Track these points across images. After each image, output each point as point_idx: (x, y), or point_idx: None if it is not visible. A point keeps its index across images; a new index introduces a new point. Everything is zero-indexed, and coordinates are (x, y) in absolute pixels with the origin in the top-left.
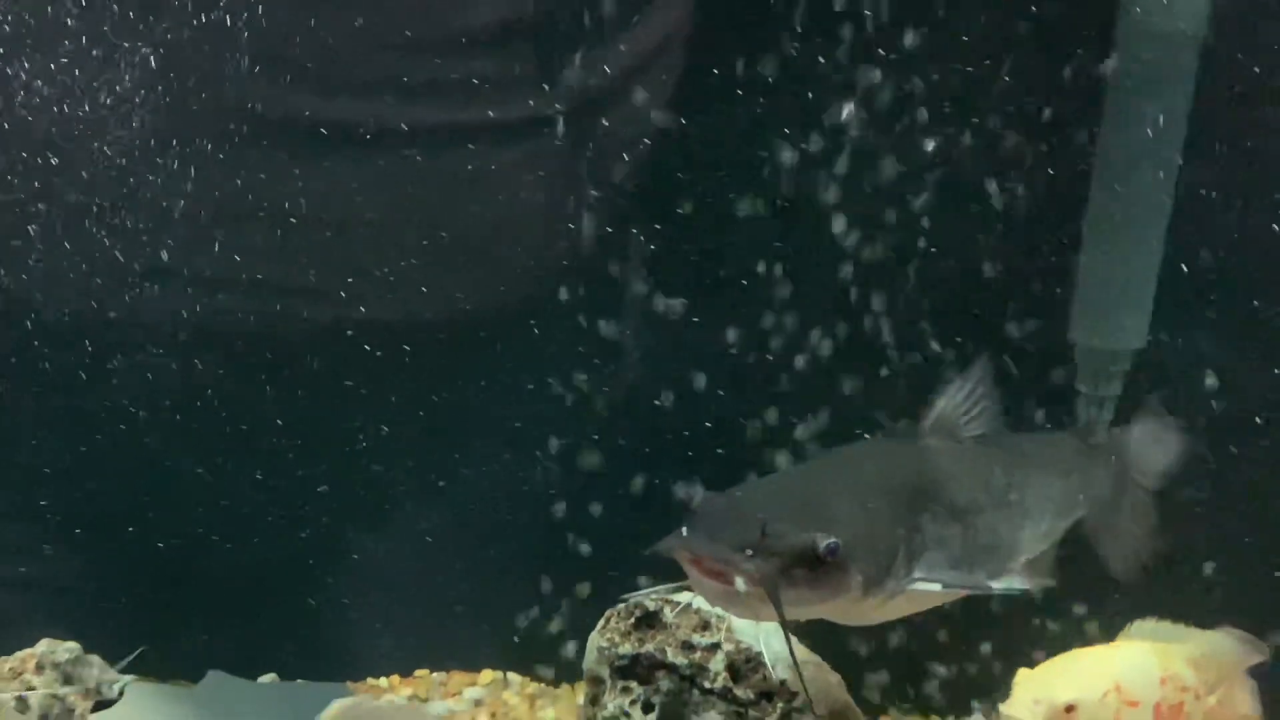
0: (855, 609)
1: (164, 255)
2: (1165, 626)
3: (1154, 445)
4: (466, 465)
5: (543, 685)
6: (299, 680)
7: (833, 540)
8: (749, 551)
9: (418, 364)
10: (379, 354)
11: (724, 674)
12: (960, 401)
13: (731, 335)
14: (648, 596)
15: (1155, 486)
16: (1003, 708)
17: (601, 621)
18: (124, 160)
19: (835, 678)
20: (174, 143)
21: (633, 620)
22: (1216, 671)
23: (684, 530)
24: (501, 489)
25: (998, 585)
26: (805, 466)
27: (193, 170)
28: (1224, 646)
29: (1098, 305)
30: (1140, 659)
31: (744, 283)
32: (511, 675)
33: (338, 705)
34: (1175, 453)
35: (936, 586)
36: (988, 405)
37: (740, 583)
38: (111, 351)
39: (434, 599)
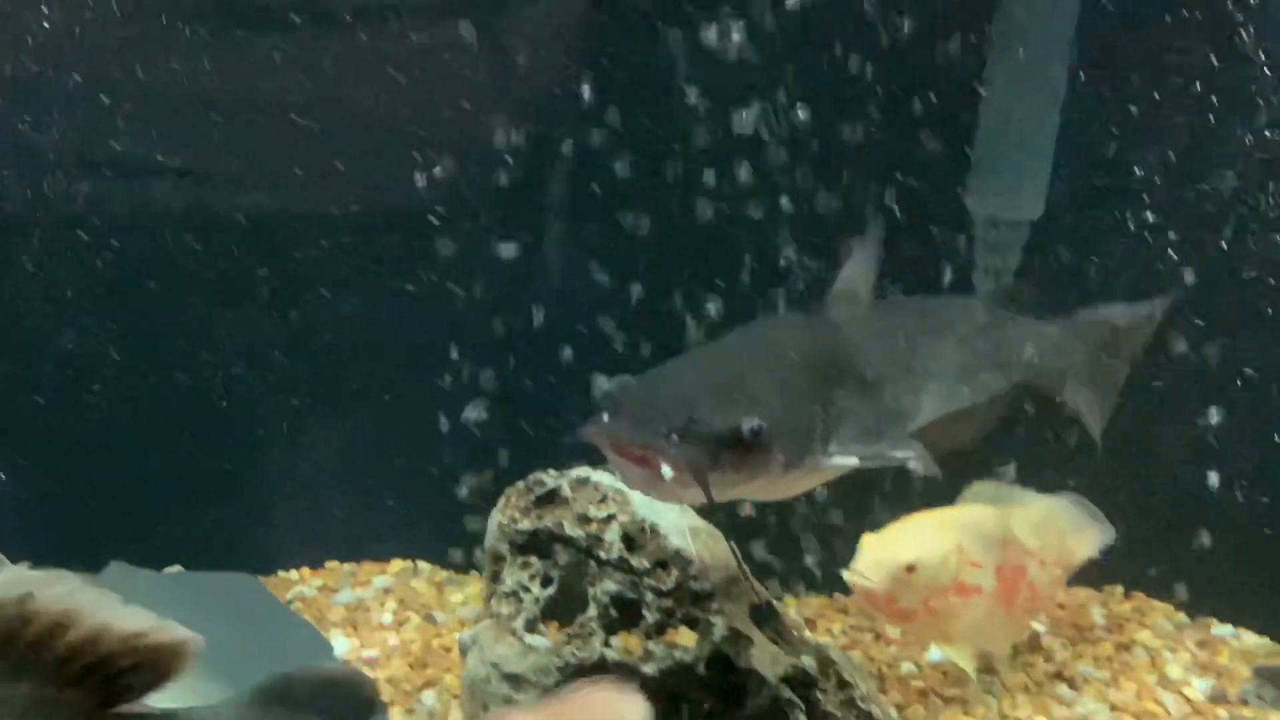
0: (773, 486)
1: (74, 143)
2: (1005, 489)
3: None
4: (378, 358)
5: (452, 573)
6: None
7: (757, 423)
8: (675, 437)
9: (329, 260)
10: (292, 249)
11: (619, 545)
12: (861, 268)
13: (640, 226)
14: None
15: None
16: (846, 573)
17: (502, 500)
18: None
19: (729, 546)
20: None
21: (532, 497)
22: (1058, 538)
23: (605, 416)
24: (412, 382)
25: (907, 459)
26: (718, 346)
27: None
28: (1064, 512)
29: (995, 175)
30: (981, 521)
31: (653, 175)
32: (421, 564)
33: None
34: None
35: (852, 461)
36: (882, 270)
37: (667, 468)
38: (15, 244)
39: (346, 493)
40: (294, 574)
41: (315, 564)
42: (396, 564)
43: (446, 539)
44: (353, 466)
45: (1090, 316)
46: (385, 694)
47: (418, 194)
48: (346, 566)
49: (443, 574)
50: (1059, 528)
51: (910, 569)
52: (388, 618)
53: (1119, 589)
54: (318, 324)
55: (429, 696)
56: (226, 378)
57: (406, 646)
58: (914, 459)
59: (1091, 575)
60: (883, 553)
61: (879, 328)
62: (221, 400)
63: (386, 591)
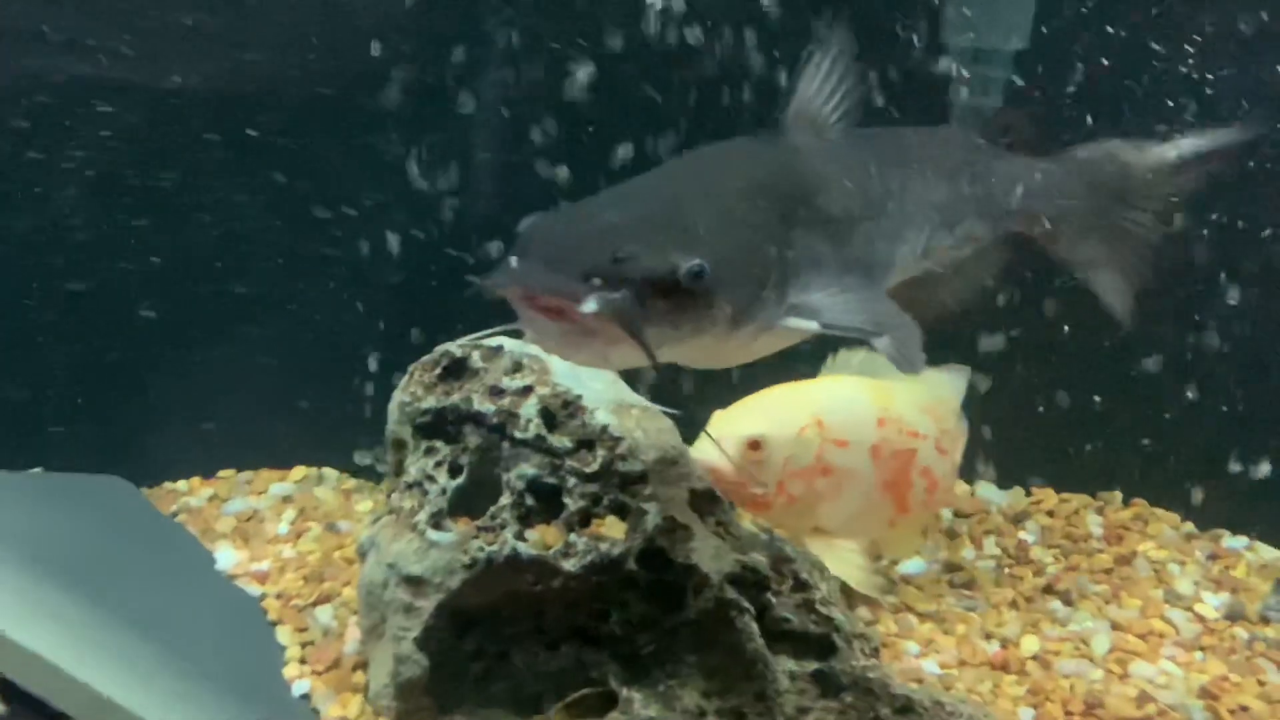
0: (720, 348)
1: None
2: (874, 359)
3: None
4: (275, 256)
5: (362, 480)
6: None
7: (697, 262)
8: (596, 281)
9: (226, 161)
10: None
11: (537, 421)
12: (822, 85)
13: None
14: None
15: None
16: (692, 450)
17: (405, 377)
18: None
19: (666, 423)
20: None
21: (438, 371)
22: (949, 417)
23: (513, 260)
24: (313, 275)
25: (883, 342)
26: (656, 174)
27: None
28: (949, 386)
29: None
30: (848, 395)
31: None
32: (328, 470)
33: None
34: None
35: (813, 325)
36: (852, 89)
37: (586, 318)
38: None
39: (241, 397)
40: (182, 484)
41: (208, 473)
42: (299, 471)
43: (356, 443)
44: (251, 368)
45: (1093, 153)
46: (274, 611)
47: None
48: (243, 475)
49: (351, 481)
50: (950, 406)
51: (755, 445)
52: (284, 528)
53: (1117, 495)
54: (209, 221)
55: (324, 612)
56: (112, 276)
57: (303, 558)
58: (894, 331)
59: (1085, 478)
60: (727, 427)
61: (847, 158)
62: (105, 301)
63: (285, 500)
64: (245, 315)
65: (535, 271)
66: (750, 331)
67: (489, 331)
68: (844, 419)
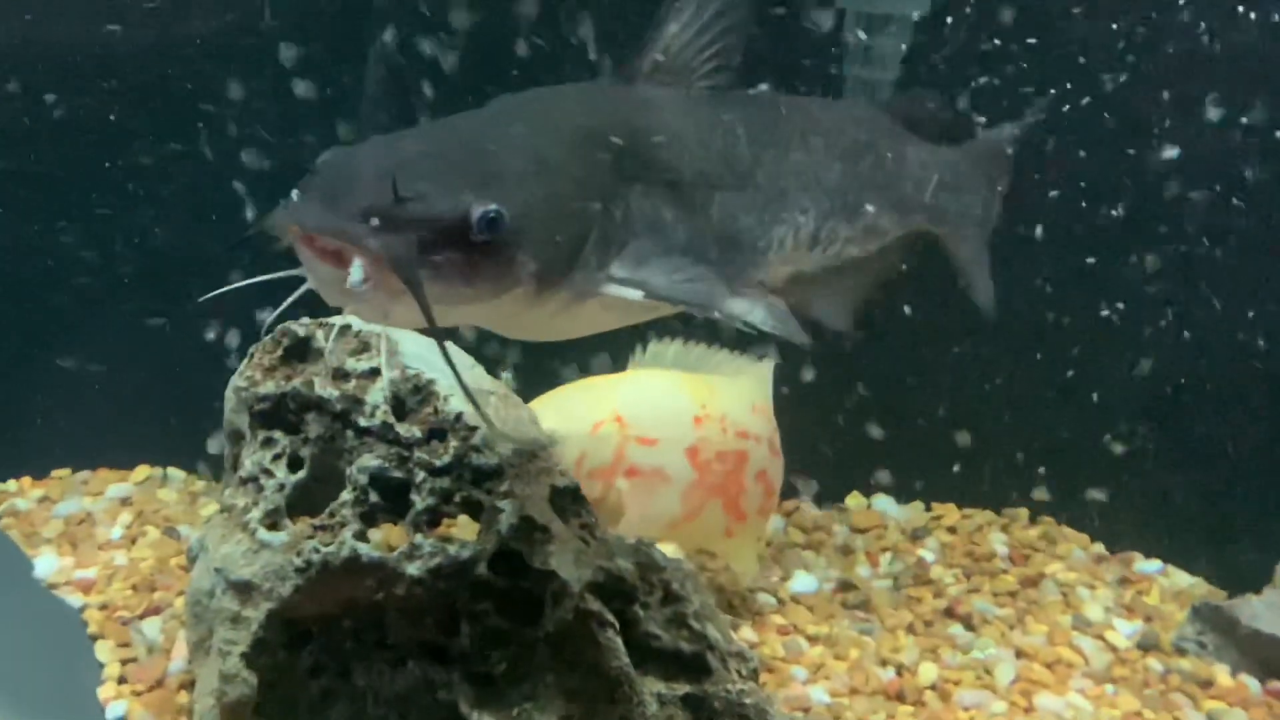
0: (526, 316)
1: None
2: (696, 351)
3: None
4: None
5: (212, 481)
6: None
7: (492, 207)
8: (375, 221)
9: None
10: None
11: (384, 407)
12: (695, 32)
13: None
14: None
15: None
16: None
17: (244, 360)
18: None
19: (526, 411)
20: None
21: (280, 353)
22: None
23: (294, 195)
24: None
25: (731, 308)
26: (477, 113)
27: None
28: (762, 381)
29: None
30: (659, 389)
31: None
32: (173, 471)
33: None
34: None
35: (636, 294)
36: (733, 43)
37: (358, 265)
38: None
39: (80, 392)
40: (12, 484)
41: (41, 473)
42: (142, 471)
43: (206, 439)
44: (89, 360)
45: (993, 141)
46: (95, 623)
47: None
48: (79, 475)
49: (199, 482)
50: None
51: None
52: (117, 533)
53: (1023, 512)
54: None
55: (151, 626)
56: None
57: (135, 566)
58: (759, 312)
59: (989, 495)
60: None
61: (710, 116)
62: None
63: (123, 503)
64: (85, 303)
65: (311, 209)
66: (563, 298)
67: (270, 277)
68: (651, 415)
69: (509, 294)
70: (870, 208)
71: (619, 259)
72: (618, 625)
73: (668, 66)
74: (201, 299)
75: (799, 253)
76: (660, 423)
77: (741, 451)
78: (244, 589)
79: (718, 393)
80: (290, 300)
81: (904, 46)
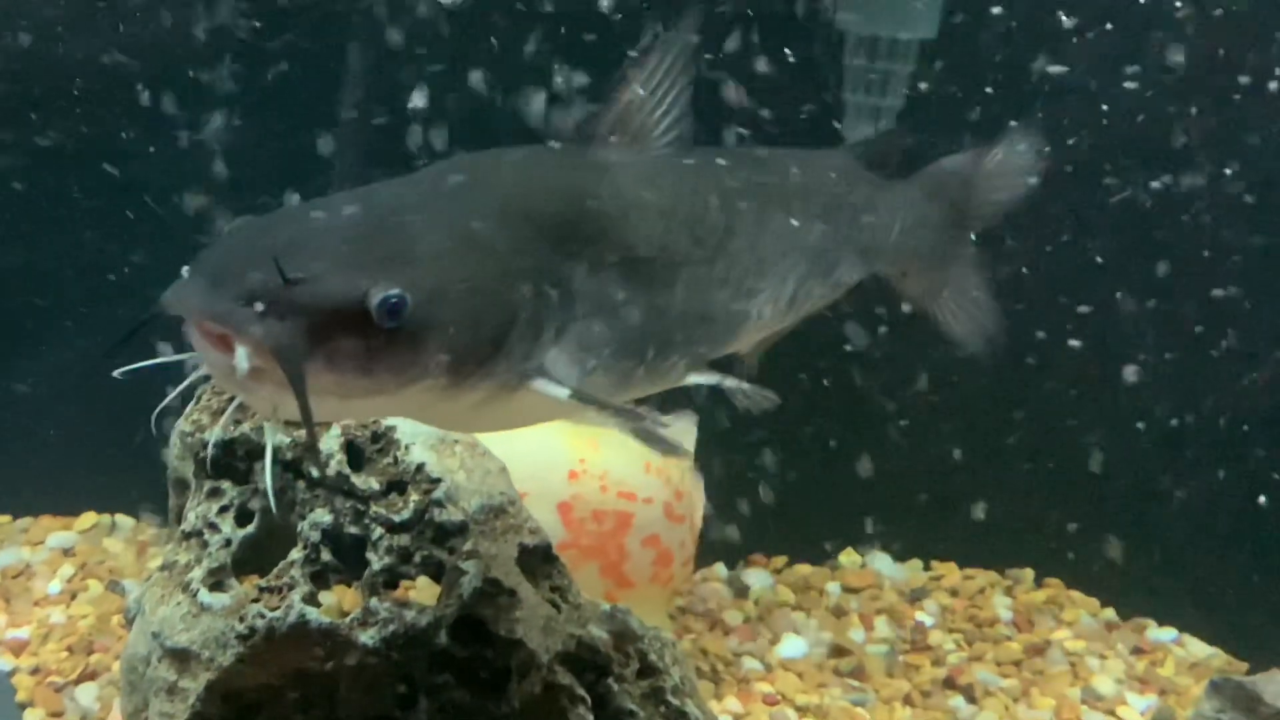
0: (442, 408)
1: None
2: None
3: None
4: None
5: (164, 531)
6: None
7: (394, 291)
8: (259, 306)
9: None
10: None
11: (339, 457)
12: (653, 91)
13: None
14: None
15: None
16: None
17: (192, 402)
18: None
19: (496, 463)
20: None
21: (228, 395)
22: (684, 476)
23: (184, 273)
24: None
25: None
26: (400, 181)
27: None
28: (681, 437)
29: None
30: (532, 440)
31: None
32: (122, 518)
33: None
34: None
35: (561, 393)
36: (686, 95)
37: (243, 354)
38: None
39: (22, 431)
40: None
41: None
42: (89, 518)
43: (158, 485)
44: (34, 400)
45: (941, 171)
46: (24, 690)
47: None
48: (20, 523)
49: (149, 531)
50: (685, 463)
51: None
52: (56, 587)
53: (1028, 573)
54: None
55: (87, 692)
56: None
57: (74, 624)
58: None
59: (990, 556)
60: None
61: (674, 181)
62: None
63: (65, 553)
64: (30, 338)
65: (196, 289)
66: (486, 390)
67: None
68: (519, 466)
69: (416, 385)
70: (844, 264)
71: (558, 345)
72: (589, 701)
73: (625, 129)
74: (116, 373)
75: (775, 319)
76: (529, 475)
77: (624, 513)
78: (182, 657)
79: (602, 449)
80: (181, 388)
81: (908, 71)
